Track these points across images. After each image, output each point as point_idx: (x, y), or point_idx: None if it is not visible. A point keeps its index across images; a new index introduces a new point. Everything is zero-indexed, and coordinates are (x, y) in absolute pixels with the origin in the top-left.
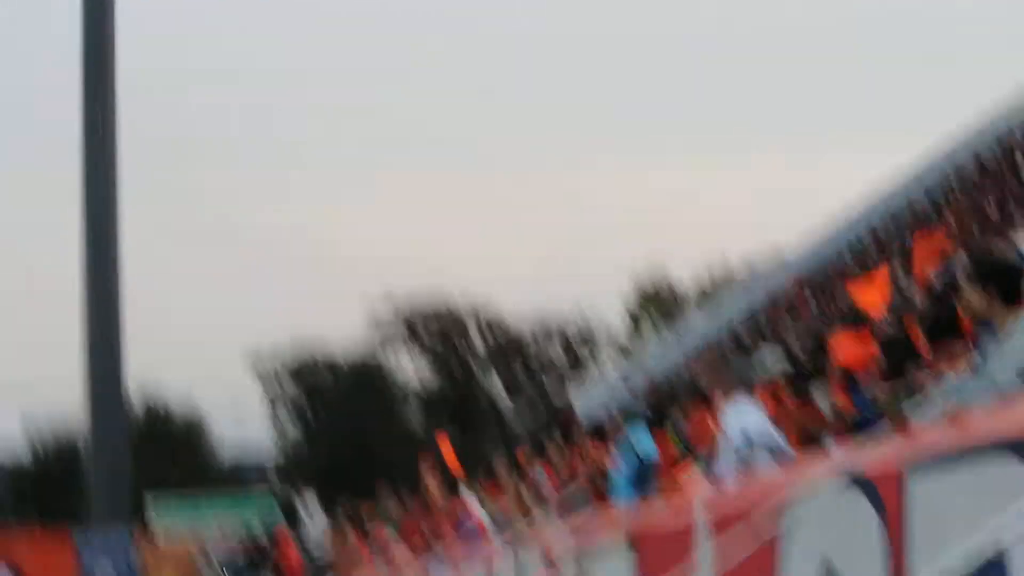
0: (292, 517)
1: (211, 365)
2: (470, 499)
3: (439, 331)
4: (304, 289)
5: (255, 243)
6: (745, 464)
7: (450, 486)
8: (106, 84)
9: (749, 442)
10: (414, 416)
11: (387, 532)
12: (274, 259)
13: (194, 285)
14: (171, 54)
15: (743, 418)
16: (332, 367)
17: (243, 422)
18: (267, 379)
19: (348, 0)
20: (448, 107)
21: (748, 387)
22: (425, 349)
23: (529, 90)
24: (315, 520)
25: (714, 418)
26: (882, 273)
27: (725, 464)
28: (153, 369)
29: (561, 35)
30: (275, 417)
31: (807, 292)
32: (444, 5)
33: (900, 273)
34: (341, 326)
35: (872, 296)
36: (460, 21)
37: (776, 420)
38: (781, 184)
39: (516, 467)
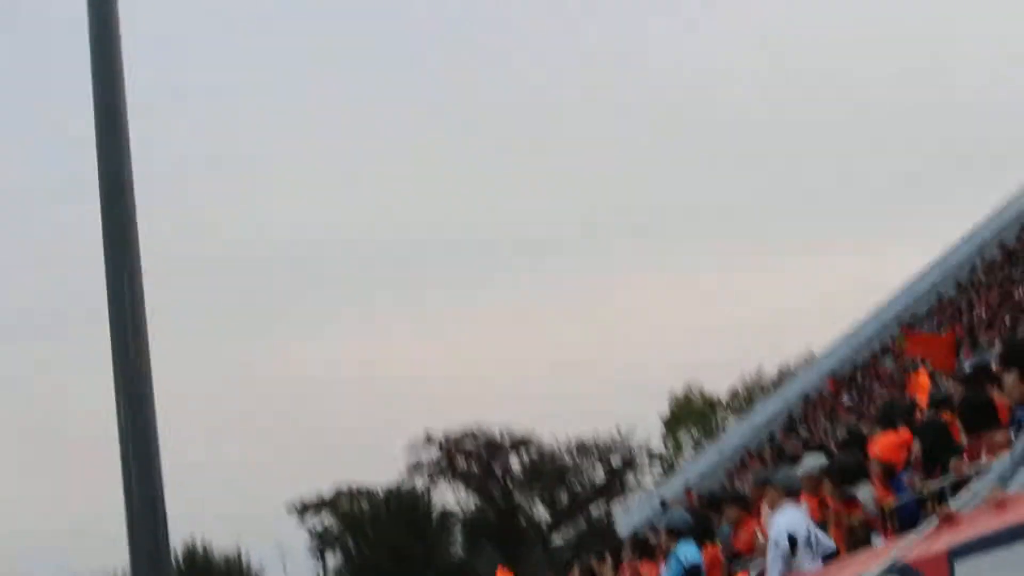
0: None
1: (253, 512)
2: None
3: (477, 457)
4: (343, 431)
5: (291, 387)
6: (792, 567)
7: None
8: (132, 262)
9: (795, 545)
10: (457, 542)
11: None
12: (312, 402)
13: (232, 434)
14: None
15: (788, 522)
16: (373, 501)
17: (287, 564)
18: (310, 518)
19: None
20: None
21: (791, 492)
22: (464, 476)
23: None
24: None
25: (759, 524)
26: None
27: (773, 569)
28: (196, 519)
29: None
30: (319, 554)
31: (841, 390)
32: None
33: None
34: (381, 463)
35: (914, 391)
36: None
37: (821, 520)
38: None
39: None
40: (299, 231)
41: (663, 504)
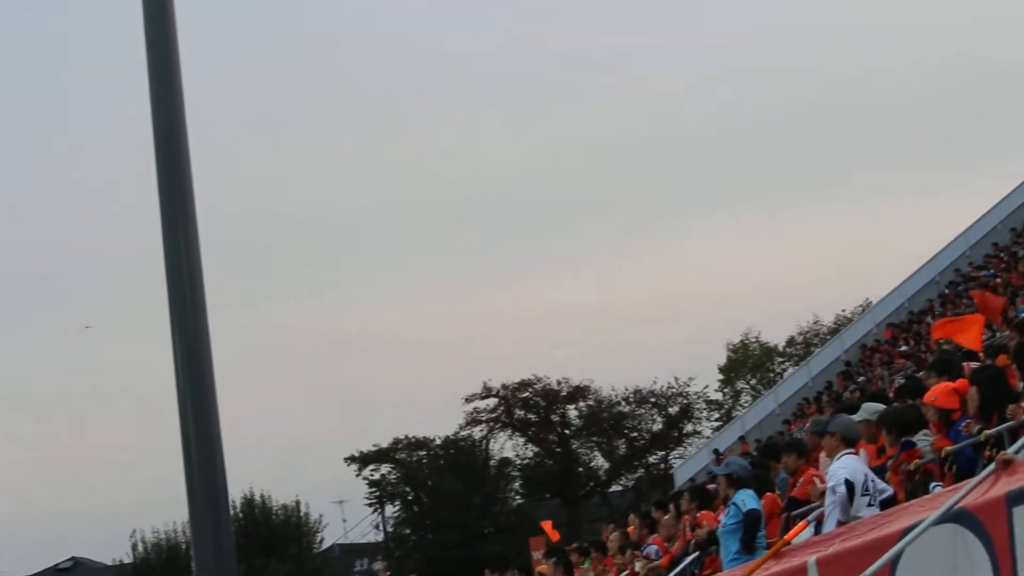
0: None
1: (313, 466)
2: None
3: (535, 406)
4: (400, 386)
5: (355, 345)
6: (850, 513)
7: (563, 565)
8: (188, 219)
9: (853, 491)
10: (516, 491)
11: None
12: (370, 357)
13: (291, 389)
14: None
15: (846, 469)
16: (431, 452)
17: (347, 514)
18: (368, 470)
19: None
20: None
21: (849, 439)
22: (522, 426)
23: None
24: None
25: (816, 472)
26: (976, 316)
27: (831, 515)
28: (256, 473)
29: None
30: (378, 505)
31: (899, 338)
32: None
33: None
34: (439, 417)
35: (966, 337)
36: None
37: (879, 468)
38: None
39: (627, 541)
40: (359, 191)
41: (717, 454)
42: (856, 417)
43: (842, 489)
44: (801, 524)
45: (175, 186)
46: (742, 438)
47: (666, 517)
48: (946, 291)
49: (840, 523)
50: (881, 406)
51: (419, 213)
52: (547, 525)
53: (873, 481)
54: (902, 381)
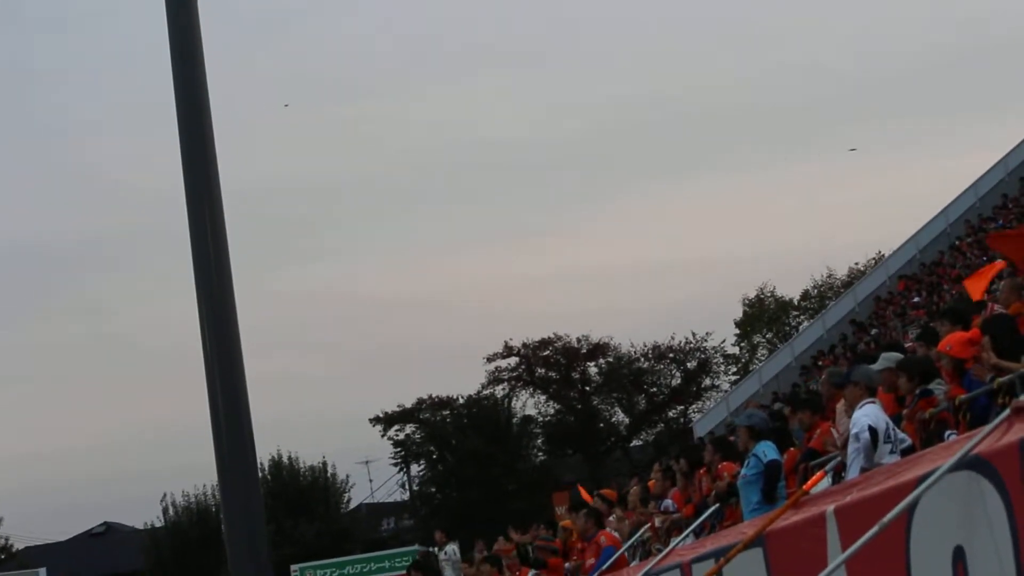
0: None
1: (339, 427)
2: (607, 529)
3: (556, 364)
4: (423, 348)
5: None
6: (873, 460)
7: (593, 517)
8: (212, 184)
9: (877, 438)
10: (538, 448)
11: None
12: (393, 319)
13: (317, 352)
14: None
15: (869, 417)
16: (454, 411)
17: (372, 474)
18: (392, 430)
19: None
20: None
21: (872, 388)
22: (543, 383)
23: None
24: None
25: (833, 425)
26: (993, 267)
27: (854, 463)
28: (282, 435)
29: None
30: (403, 464)
31: (912, 289)
32: None
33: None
34: (462, 378)
35: (981, 287)
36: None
37: (895, 417)
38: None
39: (647, 494)
40: (380, 156)
41: (740, 404)
42: (876, 366)
43: (866, 436)
44: (819, 474)
45: (199, 157)
46: (767, 390)
47: (684, 471)
48: (957, 242)
49: (864, 469)
50: (899, 355)
51: (439, 177)
52: (582, 490)
53: (894, 429)
54: (916, 332)
